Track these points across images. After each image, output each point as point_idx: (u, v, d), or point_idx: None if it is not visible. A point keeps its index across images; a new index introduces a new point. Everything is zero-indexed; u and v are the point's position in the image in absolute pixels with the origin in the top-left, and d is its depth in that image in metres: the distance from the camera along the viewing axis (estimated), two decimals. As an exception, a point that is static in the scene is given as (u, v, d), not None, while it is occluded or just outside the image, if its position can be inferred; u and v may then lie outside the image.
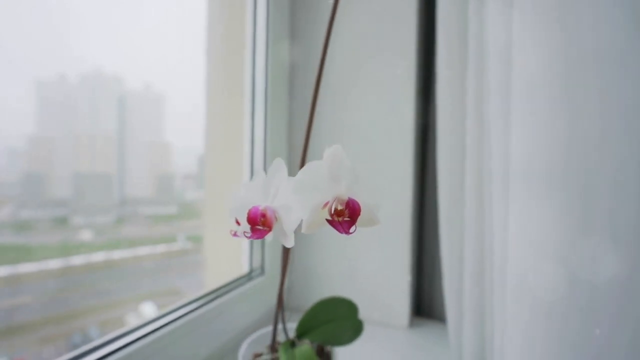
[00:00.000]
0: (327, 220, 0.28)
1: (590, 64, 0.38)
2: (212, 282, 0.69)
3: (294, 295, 0.76)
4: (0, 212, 0.82)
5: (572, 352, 0.37)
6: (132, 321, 1.01)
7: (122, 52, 0.88)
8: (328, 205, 0.28)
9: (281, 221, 0.28)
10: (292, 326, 0.44)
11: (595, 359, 0.35)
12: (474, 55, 0.55)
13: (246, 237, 0.27)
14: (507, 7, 0.45)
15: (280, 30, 0.74)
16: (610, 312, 0.35)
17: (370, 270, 0.74)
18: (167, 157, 1.07)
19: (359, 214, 0.28)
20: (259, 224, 0.27)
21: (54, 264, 0.93)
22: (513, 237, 0.42)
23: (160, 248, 1.12)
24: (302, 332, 0.42)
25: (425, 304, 0.80)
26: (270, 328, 0.43)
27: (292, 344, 0.41)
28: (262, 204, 0.27)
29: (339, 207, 0.27)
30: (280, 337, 0.43)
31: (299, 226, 0.28)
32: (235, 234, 0.30)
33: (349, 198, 0.27)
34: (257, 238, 0.27)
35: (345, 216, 0.28)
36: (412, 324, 0.74)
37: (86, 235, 0.99)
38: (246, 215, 0.27)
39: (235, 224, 0.31)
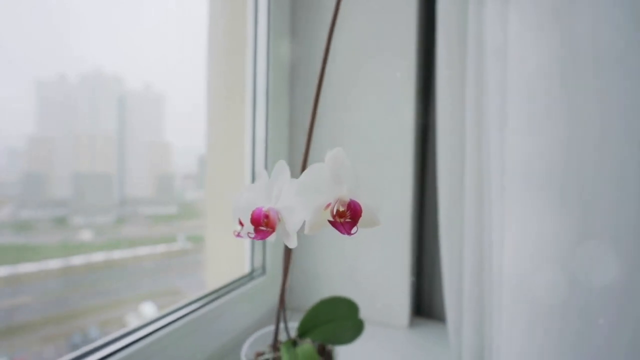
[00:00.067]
0: (329, 221, 0.28)
1: (589, 64, 0.38)
2: (214, 282, 0.69)
3: (294, 295, 0.76)
4: (0, 212, 0.82)
5: (572, 353, 0.37)
6: (132, 321, 1.01)
7: (122, 52, 0.88)
8: (330, 207, 0.28)
9: (284, 222, 0.28)
10: (293, 325, 0.44)
11: (595, 359, 0.36)
12: (474, 55, 0.55)
13: (250, 237, 0.27)
14: (506, 7, 0.45)
15: (281, 29, 0.74)
16: (610, 313, 0.36)
17: (371, 270, 0.74)
18: (167, 157, 1.07)
19: (360, 215, 0.28)
20: (262, 225, 0.27)
21: (54, 264, 0.93)
22: (511, 238, 0.42)
23: (160, 248, 1.13)
24: (303, 332, 0.43)
25: (425, 304, 0.81)
26: (271, 327, 0.44)
27: (293, 343, 0.41)
28: (265, 205, 0.28)
29: (341, 209, 0.28)
30: (282, 337, 0.43)
31: (302, 227, 0.28)
32: (238, 235, 0.30)
33: (351, 200, 0.28)
34: (261, 239, 0.27)
35: (347, 217, 0.28)
36: (412, 324, 0.75)
37: (86, 235, 0.99)
38: (250, 217, 0.27)
39: (239, 225, 0.31)
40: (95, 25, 0.83)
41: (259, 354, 0.43)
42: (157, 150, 1.06)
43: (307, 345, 0.40)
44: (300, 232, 0.29)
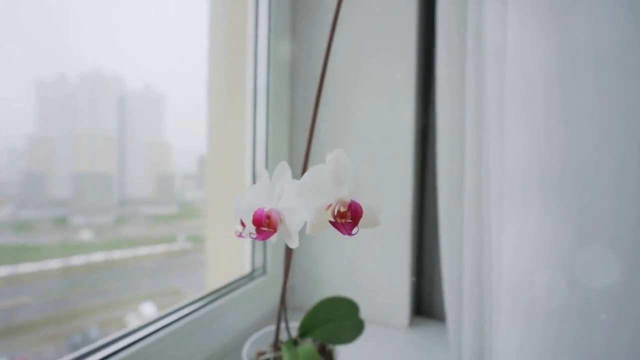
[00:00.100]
0: (331, 222, 0.28)
1: (589, 63, 0.38)
2: (214, 282, 0.69)
3: (295, 295, 0.77)
4: (0, 212, 0.82)
5: (571, 353, 0.37)
6: (132, 321, 1.01)
7: (122, 52, 0.88)
8: (331, 208, 0.28)
9: (286, 223, 0.28)
10: (294, 325, 0.44)
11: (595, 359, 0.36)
12: (473, 55, 0.55)
13: (252, 238, 0.27)
14: (505, 6, 0.45)
15: (281, 29, 0.74)
16: (610, 314, 0.36)
17: (371, 270, 0.74)
18: (167, 157, 1.07)
19: (361, 216, 0.28)
20: (264, 225, 0.27)
21: (54, 264, 0.93)
22: (510, 238, 0.42)
23: (160, 248, 1.13)
24: (304, 331, 0.43)
25: (425, 304, 0.81)
26: (272, 327, 0.44)
27: (294, 342, 0.42)
28: (267, 206, 0.28)
29: (342, 209, 0.28)
30: (283, 336, 0.43)
31: (303, 227, 0.29)
32: (240, 235, 0.31)
33: (351, 200, 0.28)
34: (263, 239, 0.27)
35: (348, 218, 0.28)
36: (412, 324, 0.75)
37: (86, 235, 1.00)
38: (252, 217, 0.27)
39: (241, 225, 0.31)
40: (95, 25, 0.82)
41: (260, 354, 0.43)
42: (157, 150, 1.06)
43: (308, 345, 0.40)
44: (301, 233, 0.29)
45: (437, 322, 0.76)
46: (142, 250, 1.08)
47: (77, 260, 0.98)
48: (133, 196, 1.05)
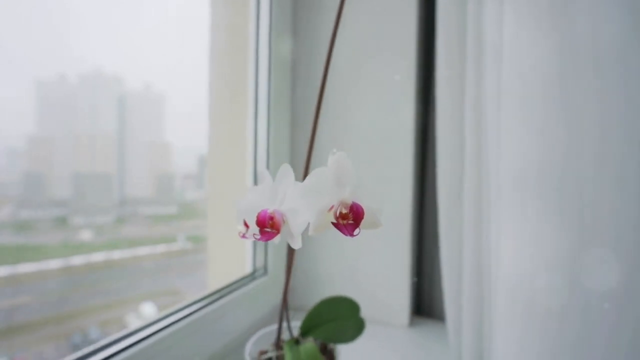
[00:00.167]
0: (333, 223, 0.29)
1: (588, 63, 0.38)
2: (216, 282, 0.70)
3: (296, 295, 0.77)
4: (0, 212, 0.82)
5: (571, 353, 0.37)
6: (132, 321, 1.01)
7: (122, 52, 0.88)
8: (333, 209, 0.29)
9: (288, 224, 0.28)
10: (295, 325, 0.44)
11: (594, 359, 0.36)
12: (473, 56, 0.55)
13: (255, 239, 0.28)
14: (502, 6, 0.45)
15: (282, 28, 0.74)
16: (609, 314, 0.36)
17: (371, 270, 0.74)
18: (167, 157, 1.07)
19: (363, 217, 0.29)
20: (268, 226, 0.27)
21: (54, 264, 0.93)
22: (509, 238, 0.43)
23: (160, 248, 1.13)
24: (306, 330, 0.43)
25: (425, 304, 0.81)
26: (274, 326, 0.44)
27: (296, 341, 0.42)
28: (270, 207, 0.28)
29: (344, 211, 0.28)
30: (285, 335, 0.44)
31: (305, 228, 0.29)
32: (244, 236, 0.31)
33: (353, 202, 0.29)
34: (266, 240, 0.28)
35: (350, 219, 0.29)
36: (412, 323, 0.75)
37: (86, 235, 1.00)
38: (255, 218, 0.27)
39: (244, 226, 0.31)
40: (95, 25, 0.82)
41: (262, 353, 0.43)
42: (157, 150, 1.06)
43: (309, 344, 0.40)
44: (303, 234, 0.30)
45: (437, 322, 0.77)
46: (142, 250, 1.08)
47: (77, 260, 0.98)
48: (133, 196, 1.05)
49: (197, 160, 1.10)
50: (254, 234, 0.28)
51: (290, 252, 0.39)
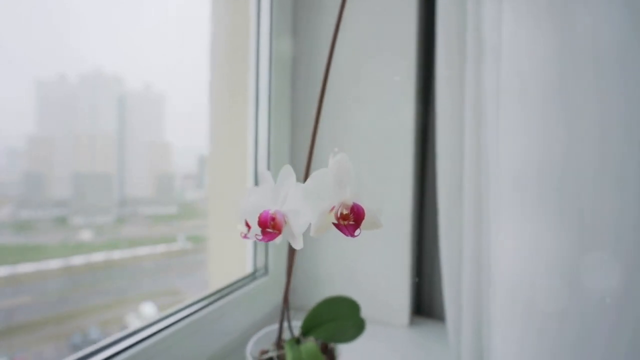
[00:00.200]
0: (334, 224, 0.29)
1: (589, 63, 0.38)
2: (216, 282, 0.70)
3: (296, 295, 0.77)
4: (0, 212, 0.81)
5: (571, 353, 0.37)
6: (132, 321, 1.01)
7: (122, 52, 0.88)
8: (334, 210, 0.29)
9: (290, 225, 0.29)
10: (296, 324, 0.45)
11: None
12: (473, 55, 0.55)
13: (257, 239, 0.28)
14: (501, 5, 0.45)
15: (283, 28, 0.74)
16: (609, 315, 0.36)
17: (371, 270, 0.74)
18: (167, 157, 1.08)
19: (363, 218, 0.29)
20: (269, 227, 0.28)
21: (54, 264, 0.93)
22: (508, 238, 0.43)
23: (160, 248, 1.13)
24: (306, 330, 0.43)
25: (425, 304, 0.81)
26: (275, 326, 0.44)
27: (297, 341, 0.42)
28: (271, 208, 0.28)
29: (345, 212, 0.29)
30: (286, 335, 0.44)
31: (307, 229, 0.29)
32: (245, 236, 0.31)
33: (354, 203, 0.29)
34: (268, 240, 0.28)
35: (351, 220, 0.29)
36: (412, 323, 0.75)
37: (86, 235, 1.00)
38: (257, 219, 0.28)
39: (245, 227, 0.31)
40: (95, 25, 0.82)
41: (264, 352, 0.43)
42: (157, 150, 1.06)
43: (310, 344, 0.41)
44: (304, 234, 0.30)
45: (437, 322, 0.77)
46: (142, 250, 1.09)
47: (77, 260, 0.98)
48: (133, 196, 1.05)
49: (197, 160, 1.10)
50: (256, 235, 0.28)
51: (291, 252, 0.40)
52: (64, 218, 0.96)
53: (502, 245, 0.44)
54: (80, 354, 0.41)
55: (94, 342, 0.43)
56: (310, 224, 0.29)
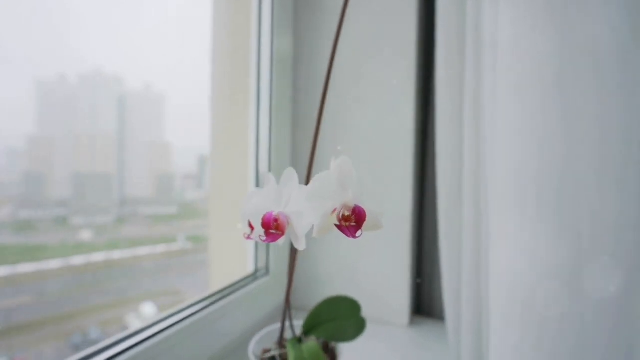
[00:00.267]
0: (336, 225, 0.30)
1: (589, 63, 0.38)
2: (218, 282, 0.70)
3: (297, 295, 0.77)
4: (0, 212, 0.81)
5: (569, 357, 0.37)
6: (132, 321, 1.02)
7: (122, 52, 0.88)
8: (336, 212, 0.29)
9: (293, 226, 0.29)
10: (297, 324, 0.45)
11: None
12: (472, 56, 0.55)
13: (261, 240, 0.28)
14: (498, 6, 0.45)
15: (284, 28, 0.74)
16: (609, 315, 0.36)
17: (372, 270, 0.75)
18: (167, 157, 1.08)
19: (365, 220, 0.30)
20: (273, 228, 0.28)
21: (54, 264, 0.93)
22: (506, 241, 0.43)
23: (160, 248, 1.13)
24: (308, 329, 0.44)
25: (425, 303, 0.82)
26: (277, 325, 0.45)
27: (299, 340, 0.42)
28: (275, 209, 0.29)
29: (347, 213, 0.29)
30: (287, 334, 0.44)
31: (310, 230, 0.29)
32: (249, 237, 0.31)
33: (355, 205, 0.29)
34: (271, 241, 0.28)
35: (352, 221, 0.30)
36: (412, 323, 0.75)
37: (86, 235, 1.00)
38: (260, 220, 0.28)
39: (249, 228, 0.32)
40: (95, 25, 0.82)
41: (266, 351, 0.44)
42: (157, 150, 1.06)
43: (312, 343, 0.41)
44: (307, 235, 0.30)
45: (436, 322, 0.77)
46: (142, 250, 1.09)
47: (77, 260, 0.98)
48: (133, 196, 1.06)
49: (197, 160, 1.10)
50: (260, 236, 0.28)
51: (293, 252, 0.40)
52: (64, 218, 0.96)
53: (501, 246, 0.44)
54: (83, 354, 0.42)
55: (94, 342, 0.43)
56: (312, 225, 0.29)
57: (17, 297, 0.86)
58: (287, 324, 0.44)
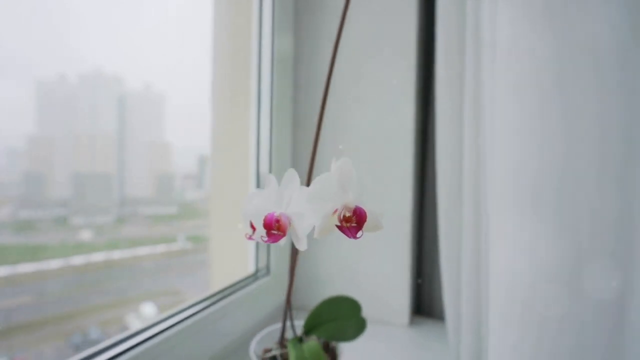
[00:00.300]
0: (337, 226, 0.30)
1: (589, 61, 0.38)
2: (218, 282, 0.70)
3: (298, 295, 0.77)
4: (0, 212, 0.81)
5: (568, 357, 0.37)
6: (132, 321, 1.02)
7: (122, 52, 0.88)
8: (337, 213, 0.30)
9: (294, 227, 0.29)
10: (298, 323, 0.45)
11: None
12: (472, 56, 0.55)
13: (263, 241, 0.28)
14: (496, 6, 0.45)
15: (285, 29, 0.74)
16: (609, 315, 0.36)
17: (372, 270, 0.75)
18: (167, 157, 1.08)
19: (365, 220, 0.30)
20: (274, 229, 0.28)
21: (54, 264, 0.93)
22: (506, 241, 0.43)
23: (160, 248, 1.13)
24: (309, 329, 0.44)
25: (425, 304, 0.82)
26: (278, 325, 0.45)
27: (299, 340, 0.43)
28: (276, 210, 0.29)
29: (347, 214, 0.30)
30: (288, 334, 0.44)
31: (311, 231, 0.30)
32: (250, 238, 0.32)
33: (356, 206, 0.30)
34: (273, 242, 0.28)
35: (353, 222, 0.30)
36: (412, 323, 0.76)
37: (86, 235, 0.99)
38: (262, 221, 0.28)
39: (250, 228, 0.32)
40: (95, 25, 0.82)
41: (267, 350, 0.44)
42: (157, 150, 1.06)
43: (312, 342, 0.41)
44: (308, 235, 0.30)
45: (436, 321, 0.78)
46: (142, 250, 1.09)
47: (77, 260, 0.98)
48: (133, 196, 1.05)
49: (197, 160, 1.10)
50: (261, 236, 0.29)
51: (294, 253, 0.40)
52: (64, 218, 0.96)
53: (500, 245, 0.44)
54: (84, 354, 0.42)
55: (94, 342, 0.43)
56: (313, 226, 0.29)
57: (17, 297, 0.86)
58: (288, 323, 0.44)
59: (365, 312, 0.46)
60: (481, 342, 0.56)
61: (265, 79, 0.71)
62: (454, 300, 0.62)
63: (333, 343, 0.46)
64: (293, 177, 0.30)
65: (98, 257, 1.00)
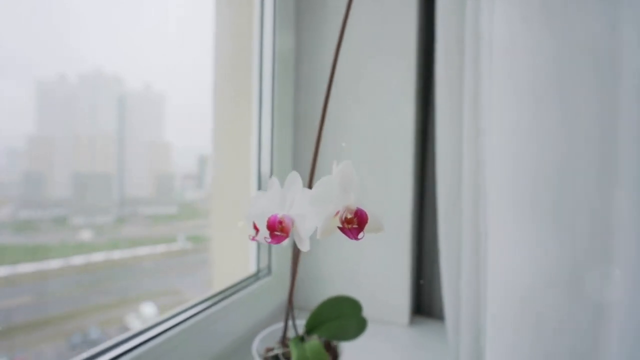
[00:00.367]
0: (338, 227, 0.30)
1: (589, 61, 0.38)
2: (220, 282, 0.70)
3: (299, 295, 0.77)
4: (0, 212, 0.81)
5: (566, 356, 0.38)
6: (132, 321, 1.02)
7: (122, 52, 0.88)
8: (339, 215, 0.30)
9: (297, 228, 0.29)
10: (300, 323, 0.45)
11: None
12: (471, 56, 0.55)
13: (266, 242, 0.29)
14: (494, 6, 0.45)
15: (286, 29, 0.74)
16: (609, 316, 0.36)
17: (372, 270, 0.75)
18: (167, 157, 1.08)
19: (366, 222, 0.30)
20: (277, 230, 0.28)
21: (54, 264, 0.93)
22: (504, 243, 0.43)
23: (160, 248, 1.13)
24: (310, 328, 0.44)
25: (425, 303, 0.82)
26: (280, 324, 0.45)
27: (301, 339, 0.43)
28: (279, 212, 0.29)
29: (349, 216, 0.30)
30: (290, 333, 0.45)
31: (313, 232, 0.30)
32: (254, 239, 0.32)
33: (357, 208, 0.30)
34: (276, 243, 0.29)
35: (354, 224, 0.30)
36: (412, 322, 0.76)
37: (86, 235, 0.99)
38: (266, 222, 0.28)
39: (254, 229, 0.32)
40: (95, 25, 0.82)
41: (269, 349, 0.44)
42: (157, 150, 1.06)
43: (314, 342, 0.41)
44: (310, 236, 0.31)
45: (436, 321, 0.78)
46: (142, 250, 1.09)
47: (77, 260, 0.98)
48: (133, 196, 1.05)
49: (197, 160, 1.10)
50: (265, 237, 0.29)
51: (296, 253, 0.40)
52: (64, 218, 0.96)
53: (499, 246, 0.45)
54: (86, 355, 0.42)
55: (94, 342, 0.43)
56: (316, 227, 0.30)
57: (17, 297, 0.86)
58: (290, 323, 0.44)
59: (366, 312, 0.46)
60: (481, 342, 0.56)
61: (266, 79, 0.71)
62: (454, 300, 0.62)
63: (334, 342, 0.46)
64: (295, 179, 0.30)
65: (98, 257, 1.00)
